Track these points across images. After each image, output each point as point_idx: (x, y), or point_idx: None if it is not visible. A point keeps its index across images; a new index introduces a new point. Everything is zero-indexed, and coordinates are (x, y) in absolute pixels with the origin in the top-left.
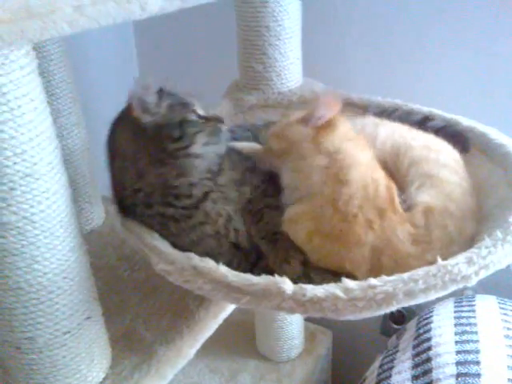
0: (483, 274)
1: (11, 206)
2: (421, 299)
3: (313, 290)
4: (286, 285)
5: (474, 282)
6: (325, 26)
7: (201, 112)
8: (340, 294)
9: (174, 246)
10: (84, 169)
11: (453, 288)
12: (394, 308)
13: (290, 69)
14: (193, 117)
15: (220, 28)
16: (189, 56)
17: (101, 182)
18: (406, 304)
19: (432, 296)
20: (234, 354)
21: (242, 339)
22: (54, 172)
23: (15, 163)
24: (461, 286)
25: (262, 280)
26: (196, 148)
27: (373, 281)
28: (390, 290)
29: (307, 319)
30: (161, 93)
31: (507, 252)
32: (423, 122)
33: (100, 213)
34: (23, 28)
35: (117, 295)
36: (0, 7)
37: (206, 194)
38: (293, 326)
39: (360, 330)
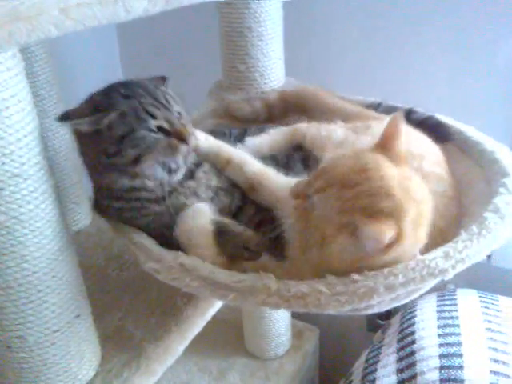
0: (460, 268)
1: (0, 206)
2: (401, 292)
3: (297, 286)
4: (271, 281)
5: (450, 275)
6: (305, 26)
7: (164, 125)
8: (323, 289)
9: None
10: (70, 169)
11: (431, 281)
12: (375, 301)
13: (272, 68)
14: (143, 133)
15: (202, 29)
16: (172, 57)
17: (87, 182)
18: (387, 297)
19: (411, 289)
20: (222, 352)
21: (230, 338)
22: (41, 172)
23: (3, 163)
24: (438, 279)
25: (248, 276)
26: (139, 169)
27: (354, 276)
28: (371, 284)
29: (294, 317)
30: (114, 94)
31: (482, 246)
32: (407, 115)
33: (87, 213)
34: (11, 31)
35: (106, 294)
36: None
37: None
38: (280, 323)
39: (346, 326)
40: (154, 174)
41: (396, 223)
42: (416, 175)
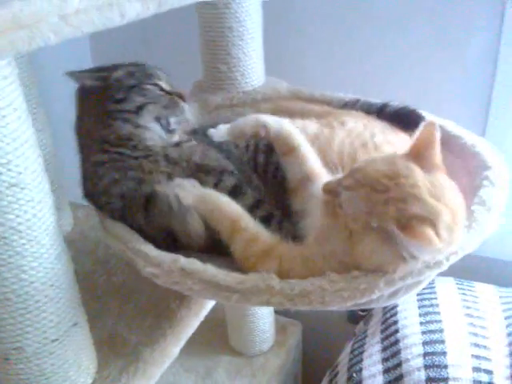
0: (453, 260)
1: None
2: (400, 286)
3: (301, 284)
4: (274, 281)
5: (445, 267)
6: (283, 26)
7: (165, 86)
8: (326, 286)
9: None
10: (51, 175)
11: (428, 274)
12: (375, 296)
13: (253, 68)
14: (149, 86)
15: (179, 30)
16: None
17: (68, 188)
18: (387, 292)
19: (410, 283)
20: (207, 351)
21: (214, 336)
22: (38, 181)
23: (1, 173)
24: (435, 271)
25: (250, 277)
26: (141, 119)
27: (355, 272)
28: (371, 279)
29: (277, 312)
30: (123, 65)
31: (473, 238)
32: (382, 109)
33: (69, 219)
34: (13, 39)
35: (95, 300)
36: None
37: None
38: (264, 320)
39: (327, 319)
40: (153, 128)
41: (432, 228)
42: (451, 182)
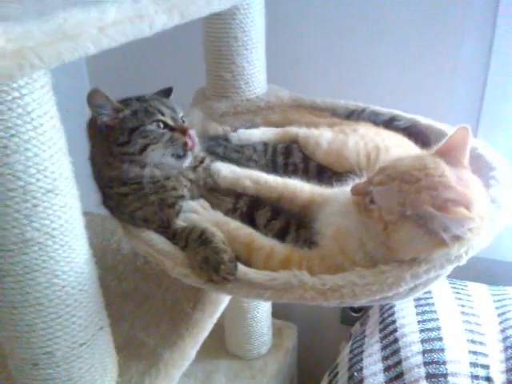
0: (471, 254)
1: (34, 223)
2: (423, 279)
3: (332, 279)
4: (306, 276)
5: (464, 261)
6: (285, 35)
7: (169, 121)
8: (356, 280)
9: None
10: None
11: (449, 267)
12: (402, 289)
13: (256, 76)
14: (152, 126)
15: (181, 39)
16: (147, 65)
17: None
18: (412, 285)
19: (432, 276)
20: (205, 356)
21: (212, 341)
22: (70, 186)
23: (38, 180)
24: (455, 265)
25: (282, 275)
26: (146, 159)
27: (382, 267)
28: (398, 273)
29: (273, 315)
30: (129, 100)
31: (487, 233)
32: (390, 122)
33: None
34: (60, 50)
35: (109, 305)
36: (40, 31)
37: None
38: (262, 323)
39: (321, 320)
40: (160, 160)
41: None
42: (476, 178)
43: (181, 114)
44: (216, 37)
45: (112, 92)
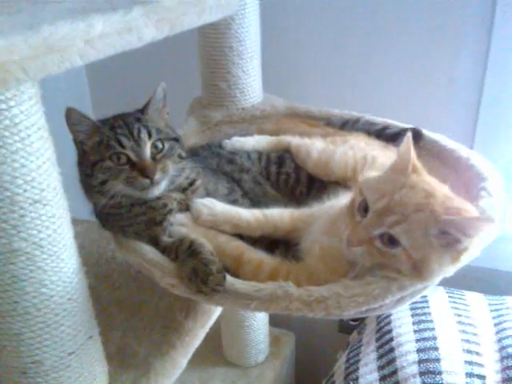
0: (464, 262)
1: (21, 233)
2: (410, 291)
3: (318, 291)
4: (292, 288)
5: (451, 272)
6: (281, 44)
7: (131, 155)
8: (342, 292)
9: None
10: None
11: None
12: (388, 300)
13: (252, 86)
14: (109, 162)
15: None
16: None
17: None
18: (398, 296)
19: (420, 287)
20: (202, 364)
21: (209, 349)
22: (58, 197)
23: (25, 191)
24: (441, 276)
25: (268, 285)
26: (109, 190)
27: (369, 278)
28: (385, 285)
29: (271, 323)
30: (105, 122)
31: (477, 245)
32: (382, 131)
33: None
34: (45, 63)
35: (102, 314)
36: (25, 45)
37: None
38: (260, 331)
39: (319, 329)
40: (124, 192)
41: None
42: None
43: (155, 140)
44: (211, 46)
45: (110, 100)
